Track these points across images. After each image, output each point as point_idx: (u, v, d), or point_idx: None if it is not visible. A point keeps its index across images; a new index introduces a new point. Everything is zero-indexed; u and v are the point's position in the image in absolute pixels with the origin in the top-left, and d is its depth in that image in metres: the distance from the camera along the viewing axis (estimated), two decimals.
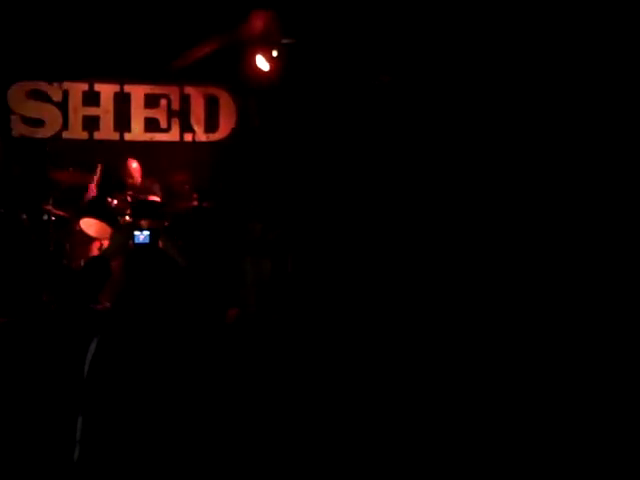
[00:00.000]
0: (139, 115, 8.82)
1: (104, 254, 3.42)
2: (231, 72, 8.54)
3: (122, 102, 8.77)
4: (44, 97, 8.55)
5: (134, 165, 8.06)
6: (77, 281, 3.31)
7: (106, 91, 8.74)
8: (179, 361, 2.99)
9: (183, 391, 2.96)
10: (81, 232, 7.35)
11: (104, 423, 2.91)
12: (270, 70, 8.23)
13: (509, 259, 6.57)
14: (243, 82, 8.52)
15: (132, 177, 8.00)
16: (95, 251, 7.28)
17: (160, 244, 3.46)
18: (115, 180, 7.99)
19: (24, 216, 6.02)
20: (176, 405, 2.94)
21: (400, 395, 4.80)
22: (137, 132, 8.82)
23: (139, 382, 2.91)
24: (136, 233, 3.43)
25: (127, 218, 7.43)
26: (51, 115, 8.57)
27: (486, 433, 4.39)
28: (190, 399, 2.97)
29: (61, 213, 7.41)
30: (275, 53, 8.18)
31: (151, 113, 8.85)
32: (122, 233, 3.55)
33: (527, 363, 5.24)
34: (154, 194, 7.91)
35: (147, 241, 3.42)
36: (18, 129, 8.22)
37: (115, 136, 8.77)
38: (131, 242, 3.43)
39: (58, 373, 3.96)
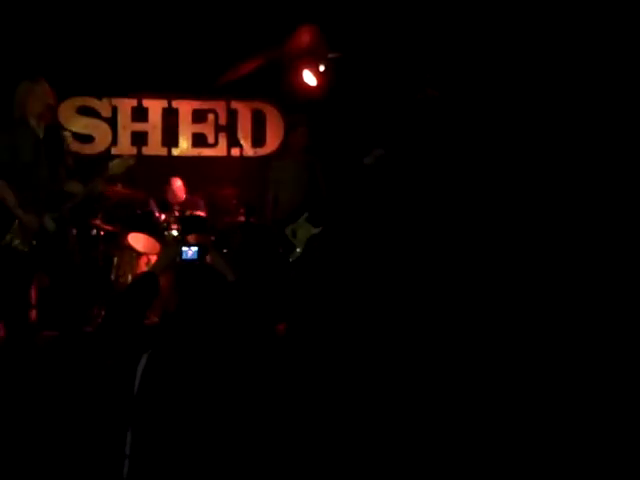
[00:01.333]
0: (187, 130, 8.89)
1: (152, 270, 3.42)
2: (278, 87, 8.57)
3: (170, 117, 8.84)
4: (93, 113, 8.66)
5: (178, 184, 8.13)
6: (126, 297, 3.31)
7: (154, 107, 8.83)
8: (229, 376, 2.98)
9: (233, 406, 2.95)
10: (129, 247, 7.41)
11: (154, 438, 2.90)
12: (317, 84, 8.24)
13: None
14: (290, 97, 8.54)
15: (176, 196, 8.07)
16: (143, 266, 7.33)
17: (208, 259, 3.46)
18: (163, 196, 8.07)
19: (74, 231, 6.07)
20: (226, 420, 2.92)
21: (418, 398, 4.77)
22: (185, 147, 8.89)
23: (189, 397, 2.90)
24: (184, 249, 3.43)
25: (175, 233, 7.49)
26: (100, 131, 8.68)
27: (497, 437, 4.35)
28: (240, 414, 2.96)
29: (110, 228, 7.48)
30: (322, 67, 8.19)
31: (198, 128, 8.92)
32: (170, 249, 3.56)
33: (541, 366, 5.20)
34: (200, 209, 7.96)
35: (195, 257, 3.42)
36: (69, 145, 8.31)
37: (163, 151, 8.85)
38: (179, 258, 3.43)
39: (108, 387, 3.96)
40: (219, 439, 2.92)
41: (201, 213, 7.82)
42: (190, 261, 3.40)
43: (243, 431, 2.98)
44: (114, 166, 5.85)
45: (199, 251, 3.42)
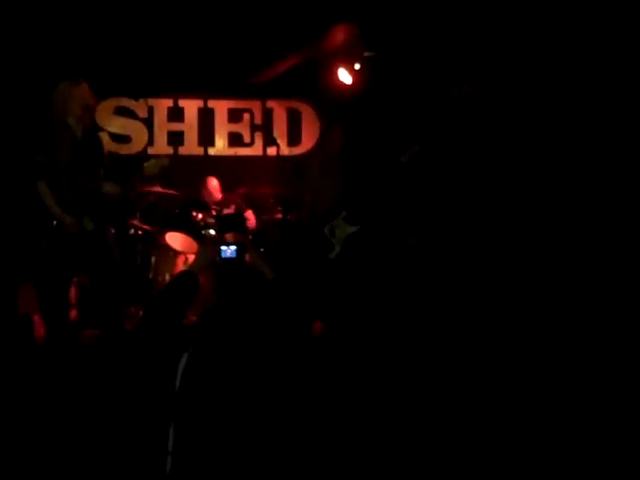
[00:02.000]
0: (223, 130, 8.92)
1: (191, 269, 3.43)
2: (313, 86, 8.58)
3: (206, 117, 8.88)
4: (130, 113, 8.73)
5: (214, 183, 8.15)
6: (165, 295, 3.33)
7: (190, 107, 8.88)
8: (269, 374, 2.99)
9: (273, 403, 2.96)
10: (166, 246, 7.45)
11: (196, 434, 2.92)
12: (353, 83, 8.23)
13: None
14: (325, 96, 8.54)
15: (212, 195, 8.10)
16: (180, 265, 7.36)
17: (247, 258, 3.46)
18: (199, 196, 8.11)
19: (113, 230, 6.13)
20: (267, 417, 2.93)
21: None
22: (221, 147, 8.92)
23: (230, 395, 2.92)
24: (223, 248, 3.43)
25: (212, 232, 7.52)
26: (137, 131, 8.74)
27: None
28: (280, 411, 2.96)
29: (147, 227, 7.53)
30: (357, 66, 8.18)
31: (234, 128, 8.95)
32: (208, 248, 3.56)
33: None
34: (237, 208, 7.98)
35: (234, 255, 3.42)
36: (106, 146, 8.38)
37: (199, 151, 8.90)
38: (218, 257, 3.44)
39: (149, 385, 4.00)
40: (259, 436, 2.93)
41: (240, 212, 7.83)
42: (229, 260, 3.40)
43: (282, 428, 2.99)
44: (149, 167, 5.91)
45: (238, 250, 3.42)
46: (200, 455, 2.91)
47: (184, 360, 3.00)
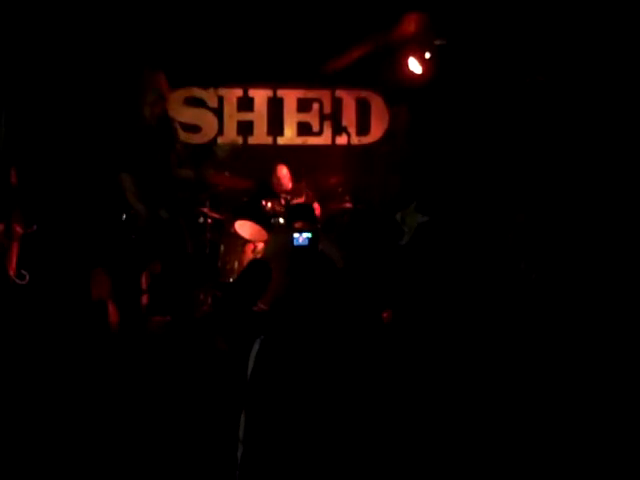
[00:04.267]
0: (292, 119, 8.92)
1: (263, 256, 3.45)
2: (383, 75, 8.53)
3: (275, 107, 8.90)
4: (200, 103, 8.79)
5: (284, 172, 8.15)
6: (239, 283, 3.35)
7: (260, 96, 8.90)
8: (340, 362, 2.98)
9: (344, 391, 2.95)
10: (235, 234, 7.50)
11: (267, 422, 2.93)
12: (422, 72, 8.17)
13: None
14: (395, 85, 8.49)
15: (282, 184, 8.10)
16: (249, 253, 7.41)
17: (320, 246, 3.47)
18: (268, 184, 8.14)
19: (182, 221, 6.20)
20: (339, 404, 2.93)
21: None
22: (290, 136, 8.93)
23: (302, 382, 2.92)
24: (295, 235, 3.43)
25: (281, 221, 7.55)
26: (207, 121, 8.79)
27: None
28: (352, 398, 2.96)
29: (217, 216, 7.59)
30: (428, 55, 8.11)
31: (303, 117, 8.94)
32: (281, 235, 3.57)
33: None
34: (306, 197, 7.99)
35: (306, 243, 3.42)
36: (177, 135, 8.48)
37: (268, 140, 8.91)
38: (291, 244, 3.44)
39: (221, 372, 4.03)
40: (329, 424, 2.93)
41: (308, 201, 7.84)
42: (301, 247, 3.41)
43: (352, 417, 2.98)
44: (221, 149, 5.96)
45: (311, 237, 3.42)
46: (271, 443, 2.92)
47: (256, 347, 3.01)
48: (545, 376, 5.06)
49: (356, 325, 3.18)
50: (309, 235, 3.41)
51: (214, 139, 8.78)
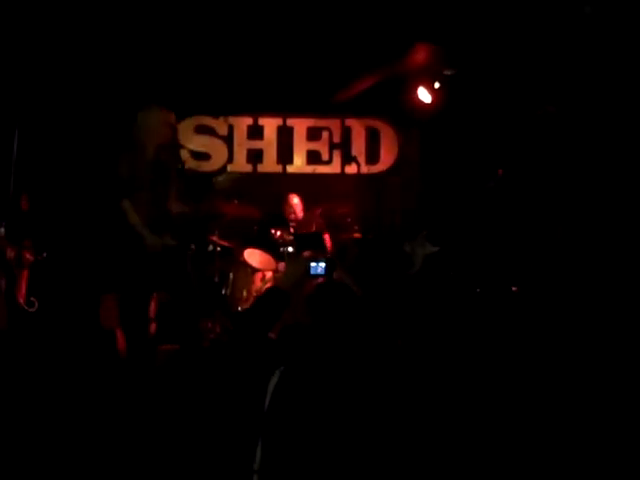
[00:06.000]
0: (301, 148, 8.95)
1: (279, 285, 3.41)
2: (392, 104, 8.56)
3: (285, 135, 8.92)
4: (210, 131, 8.82)
5: (295, 200, 8.14)
6: (255, 311, 3.31)
7: (270, 125, 8.93)
8: (360, 393, 2.94)
9: (364, 423, 2.90)
10: (244, 263, 7.47)
11: (283, 454, 2.88)
12: (432, 102, 8.19)
13: None
14: (404, 114, 8.51)
15: (294, 212, 8.09)
16: (258, 282, 7.38)
17: (335, 275, 3.44)
18: (278, 213, 8.12)
19: (193, 247, 6.18)
20: (357, 438, 2.88)
21: None
22: (299, 165, 8.95)
23: (321, 414, 2.88)
24: (312, 264, 3.41)
25: (290, 249, 7.52)
26: (217, 149, 8.82)
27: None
28: (371, 432, 2.91)
29: (226, 244, 7.57)
30: (437, 85, 8.14)
31: (313, 146, 8.96)
32: (297, 264, 3.54)
33: None
34: (316, 227, 7.97)
35: (323, 272, 3.40)
36: (187, 163, 8.48)
37: (278, 169, 8.93)
38: (307, 273, 3.42)
39: (237, 403, 3.99)
40: (347, 458, 2.88)
41: (318, 230, 7.81)
42: (318, 276, 3.38)
43: (371, 450, 2.93)
44: (220, 180, 5.96)
45: (327, 266, 3.39)
46: (288, 474, 2.87)
47: (275, 379, 2.96)
48: (551, 397, 5.05)
49: (376, 357, 3.14)
50: (325, 264, 3.38)
51: (224, 167, 8.81)
